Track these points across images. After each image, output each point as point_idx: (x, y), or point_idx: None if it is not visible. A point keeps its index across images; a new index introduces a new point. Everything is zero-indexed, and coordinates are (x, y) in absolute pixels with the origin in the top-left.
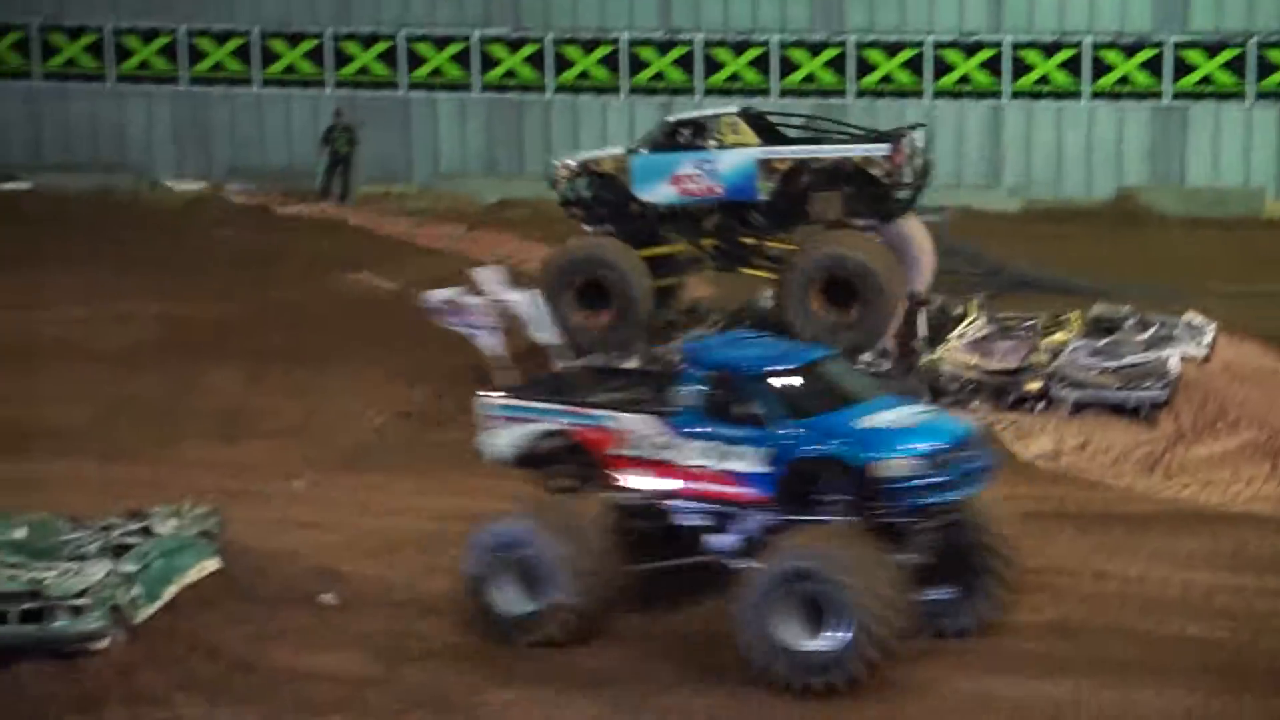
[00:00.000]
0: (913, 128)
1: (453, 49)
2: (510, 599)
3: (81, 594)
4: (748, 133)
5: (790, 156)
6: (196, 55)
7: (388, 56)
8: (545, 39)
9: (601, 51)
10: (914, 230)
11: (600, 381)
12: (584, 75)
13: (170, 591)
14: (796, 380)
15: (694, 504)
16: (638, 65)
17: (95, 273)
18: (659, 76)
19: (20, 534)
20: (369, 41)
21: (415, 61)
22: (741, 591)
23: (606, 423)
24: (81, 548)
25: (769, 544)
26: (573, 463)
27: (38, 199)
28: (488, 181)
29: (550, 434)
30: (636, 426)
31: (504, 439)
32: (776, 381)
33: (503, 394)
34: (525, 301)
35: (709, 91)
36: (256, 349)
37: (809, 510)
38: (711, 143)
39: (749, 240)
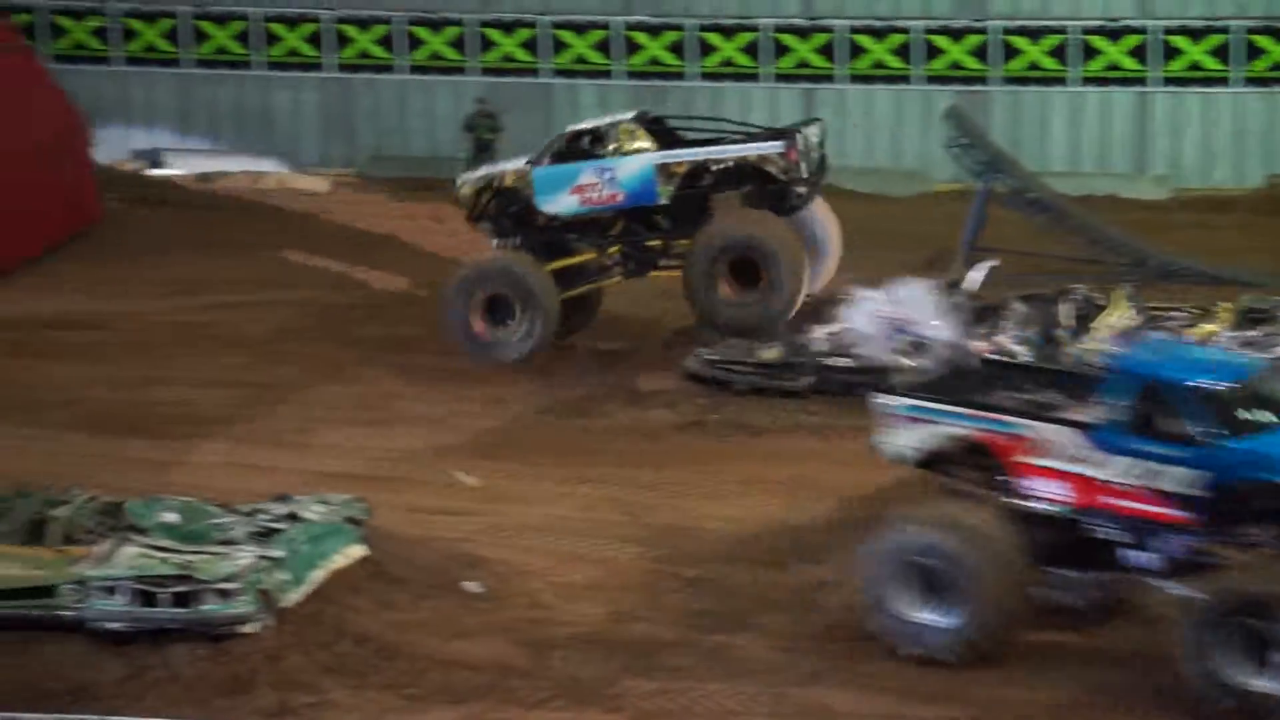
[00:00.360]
0: (807, 123)
1: (595, 36)
2: (909, 608)
3: (230, 578)
4: (645, 138)
5: (687, 159)
6: (343, 42)
7: (530, 43)
8: (687, 25)
9: (743, 38)
10: (819, 220)
11: (998, 378)
12: (726, 62)
13: (317, 577)
14: (1234, 393)
15: (1111, 518)
16: (780, 51)
17: (242, 259)
18: (802, 64)
19: (171, 517)
20: (511, 28)
21: (558, 47)
22: (1180, 619)
23: (1020, 430)
24: (230, 532)
25: (1196, 567)
26: (974, 465)
27: (185, 186)
28: None
29: (956, 437)
30: (1053, 437)
31: (905, 439)
32: (1213, 395)
33: (904, 393)
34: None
35: (852, 78)
36: (402, 336)
37: (1238, 535)
38: (610, 150)
39: (654, 244)
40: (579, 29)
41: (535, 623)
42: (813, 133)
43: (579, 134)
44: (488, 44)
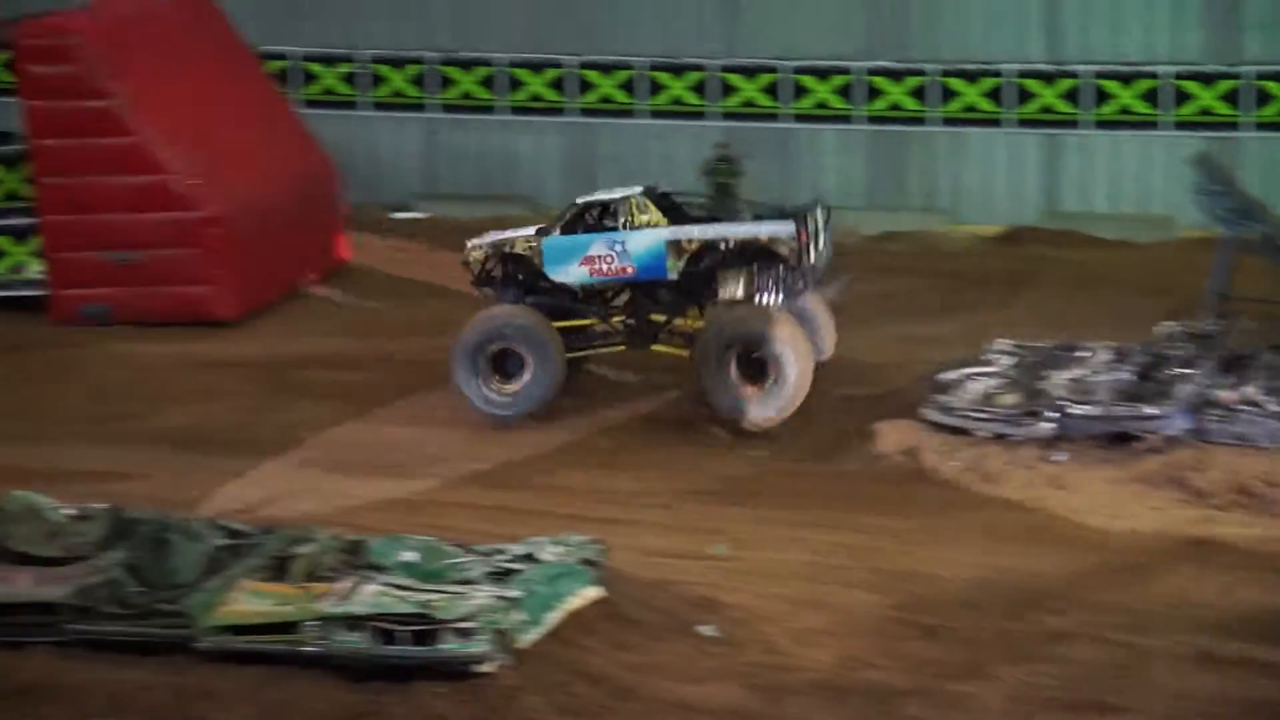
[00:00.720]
0: (811, 205)
1: (836, 81)
2: None
3: (468, 617)
4: (655, 212)
5: (699, 238)
6: (585, 87)
7: (771, 88)
8: (929, 70)
9: (986, 84)
10: (813, 301)
11: None
12: (969, 108)
13: (553, 618)
14: None
15: None
16: (1024, 96)
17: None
18: (1046, 109)
19: (411, 556)
20: (753, 73)
21: (798, 93)
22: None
23: None
24: (467, 572)
25: None
26: None
27: (434, 228)
28: (868, 214)
29: None
30: None
31: None
32: None
33: None
34: None
35: (1097, 124)
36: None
37: None
38: (621, 223)
39: (659, 318)
40: (821, 74)
41: (769, 668)
42: (819, 214)
43: (589, 206)
44: (729, 89)
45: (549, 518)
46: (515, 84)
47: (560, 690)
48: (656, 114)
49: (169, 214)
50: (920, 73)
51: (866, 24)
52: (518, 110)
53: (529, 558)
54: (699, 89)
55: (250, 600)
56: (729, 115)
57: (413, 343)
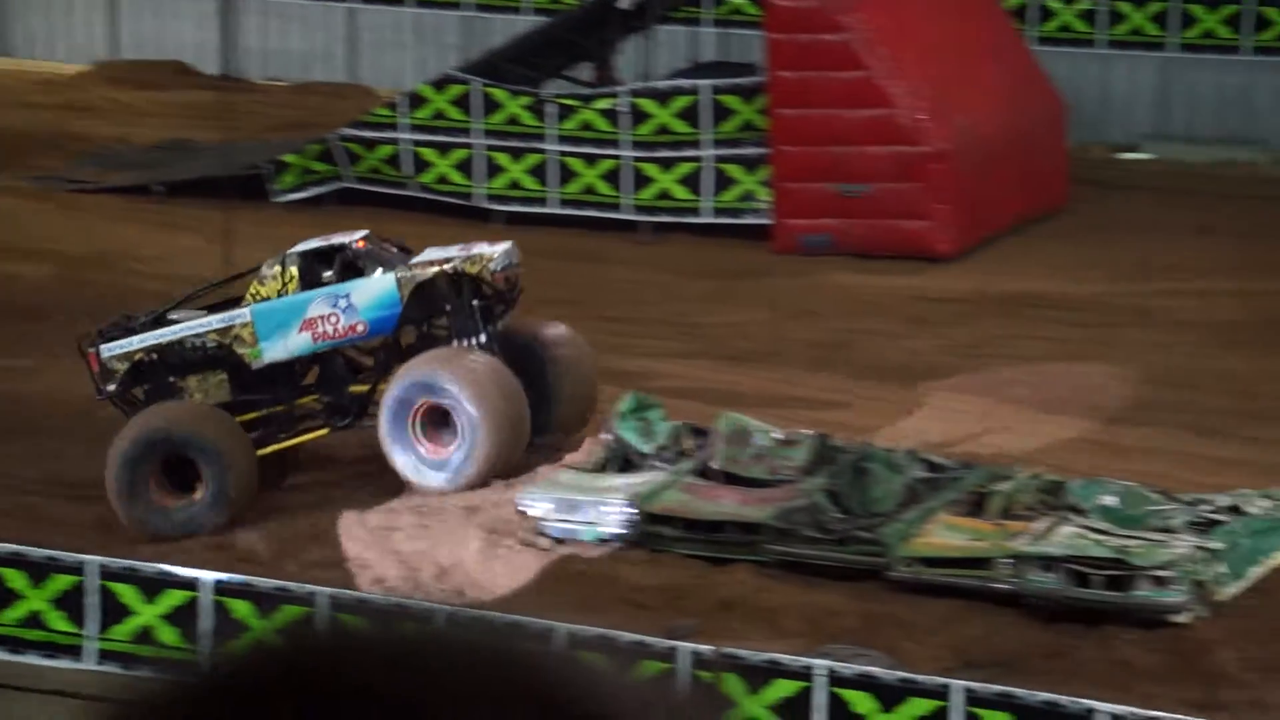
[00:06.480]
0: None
1: None
2: None
3: (1166, 565)
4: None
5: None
6: None
7: None
8: None
9: None
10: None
11: None
12: None
13: (1256, 572)
14: None
15: None
16: None
17: (1208, 246)
18: None
19: (1111, 500)
20: None
21: None
22: None
23: None
24: (1169, 520)
25: None
26: None
27: (1159, 170)
28: None
29: None
30: None
31: None
32: None
33: None
34: None
35: None
36: None
37: None
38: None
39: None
40: None
41: None
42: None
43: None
44: None
45: (1258, 469)
46: (1262, 23)
47: (1259, 647)
48: None
49: (894, 147)
50: None
51: None
52: (1260, 50)
53: (1235, 510)
54: None
55: (946, 533)
56: None
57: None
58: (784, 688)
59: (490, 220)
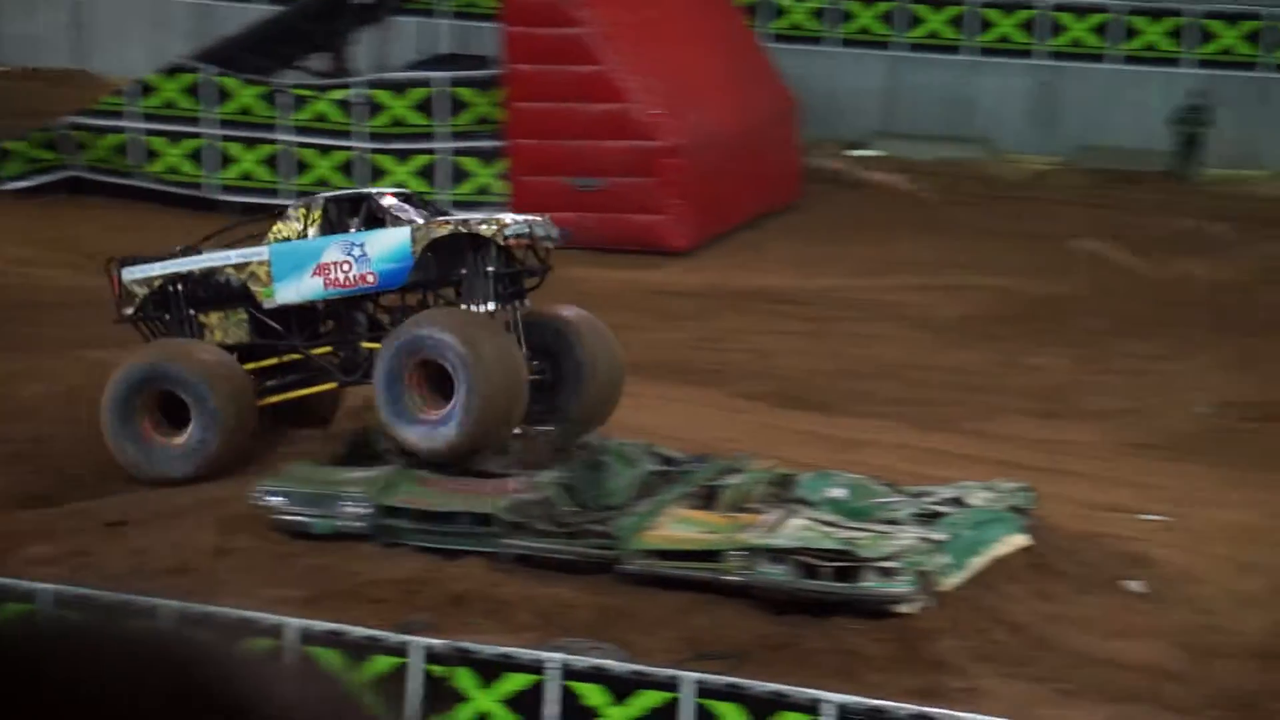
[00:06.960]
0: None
1: None
2: None
3: (892, 556)
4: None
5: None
6: (1056, 30)
7: (1254, 36)
8: None
9: None
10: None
11: None
12: None
13: (978, 563)
14: None
15: None
16: None
17: (935, 243)
18: None
19: (838, 493)
20: (1235, 19)
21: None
22: None
23: None
24: (894, 512)
25: None
26: None
27: (892, 167)
28: None
29: None
30: None
31: None
32: None
33: None
34: None
35: None
36: (1088, 328)
37: None
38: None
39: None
40: None
41: (1199, 629)
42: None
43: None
44: (1207, 36)
45: (980, 463)
46: (985, 25)
47: (979, 636)
48: (1129, 59)
49: (629, 142)
50: None
51: None
52: (986, 51)
53: (957, 501)
54: (1174, 35)
55: (677, 526)
56: (1205, 63)
57: (860, 282)
58: (517, 681)
59: (220, 211)
